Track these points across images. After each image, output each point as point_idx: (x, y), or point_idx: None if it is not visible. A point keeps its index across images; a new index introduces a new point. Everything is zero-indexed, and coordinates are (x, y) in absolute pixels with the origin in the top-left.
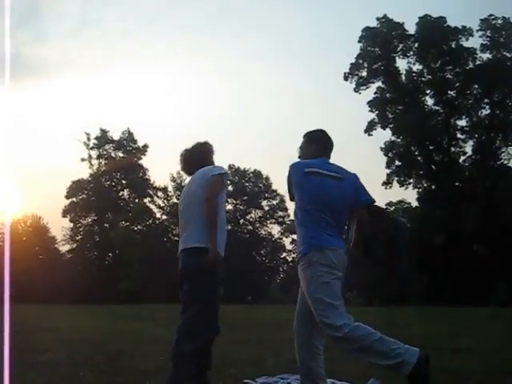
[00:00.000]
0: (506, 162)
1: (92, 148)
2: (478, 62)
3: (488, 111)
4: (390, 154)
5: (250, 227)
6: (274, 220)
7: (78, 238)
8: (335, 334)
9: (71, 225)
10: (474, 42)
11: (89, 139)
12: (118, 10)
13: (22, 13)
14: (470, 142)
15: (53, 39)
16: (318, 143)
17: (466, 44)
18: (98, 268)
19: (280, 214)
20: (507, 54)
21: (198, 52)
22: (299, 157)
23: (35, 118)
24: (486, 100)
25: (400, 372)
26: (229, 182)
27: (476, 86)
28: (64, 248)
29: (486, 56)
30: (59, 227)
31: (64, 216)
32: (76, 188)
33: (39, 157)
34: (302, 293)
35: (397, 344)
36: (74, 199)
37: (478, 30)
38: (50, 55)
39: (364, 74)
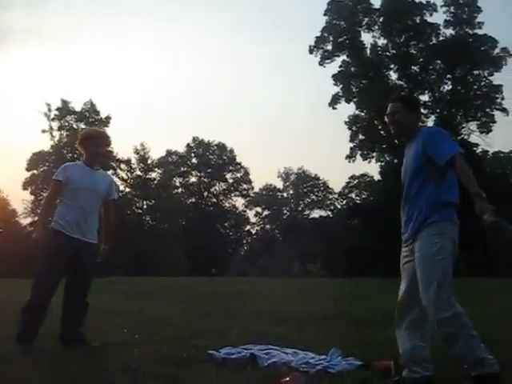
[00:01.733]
0: (466, 137)
1: (53, 119)
2: (441, 38)
3: (450, 87)
4: (353, 128)
5: (214, 200)
6: (238, 193)
7: (39, 211)
8: (442, 313)
9: (32, 197)
10: (437, 17)
11: (50, 110)
12: None
13: None
14: (432, 117)
15: (17, 6)
16: (418, 110)
17: (430, 19)
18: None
19: (244, 186)
20: (469, 31)
21: (164, 23)
22: (396, 121)
23: None
24: (448, 76)
25: (473, 370)
26: (193, 155)
27: (439, 62)
28: (25, 221)
29: (449, 32)
30: (20, 200)
31: (25, 189)
32: (37, 160)
33: None
34: (412, 270)
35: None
36: (34, 171)
37: (441, 6)
38: (14, 23)
39: (329, 47)
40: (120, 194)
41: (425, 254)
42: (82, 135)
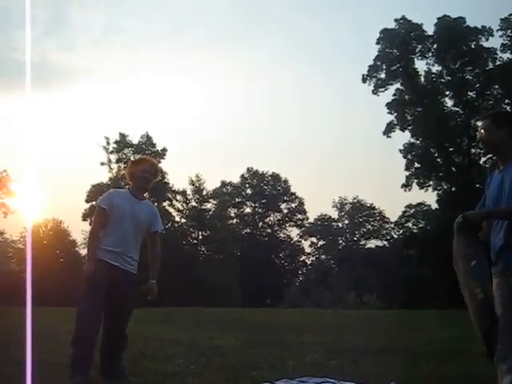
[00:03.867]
0: None
1: (111, 152)
2: (498, 62)
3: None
4: (409, 156)
5: (269, 230)
6: (292, 223)
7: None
8: None
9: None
10: (493, 41)
11: (108, 143)
12: (143, 18)
13: (48, 22)
14: None
15: (78, 47)
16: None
17: (485, 44)
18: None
19: (299, 216)
20: None
21: (219, 58)
22: (482, 139)
23: (57, 122)
24: (506, 100)
25: None
26: (247, 185)
27: (496, 87)
28: (84, 251)
29: (507, 56)
30: (79, 231)
31: (84, 220)
32: (96, 192)
33: (60, 161)
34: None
35: None
36: (93, 203)
37: (498, 30)
38: (75, 62)
39: (382, 75)
40: (176, 225)
41: None
42: (131, 162)
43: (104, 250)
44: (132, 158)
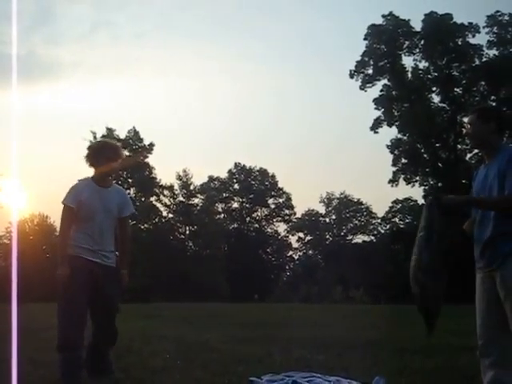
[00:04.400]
0: None
1: None
2: (484, 59)
3: None
4: (396, 152)
5: (257, 225)
6: (280, 218)
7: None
8: None
9: None
10: (480, 38)
11: (95, 138)
12: (130, 13)
13: (35, 15)
14: None
15: (65, 41)
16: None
17: (472, 41)
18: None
19: (286, 211)
20: None
21: (205, 55)
22: (468, 134)
23: (43, 117)
24: (492, 97)
25: None
26: (235, 181)
27: (482, 83)
28: None
29: (493, 53)
30: None
31: None
32: None
33: (46, 156)
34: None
35: None
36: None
37: (484, 27)
38: (62, 56)
39: (370, 71)
40: (163, 220)
41: None
42: (92, 148)
43: (80, 248)
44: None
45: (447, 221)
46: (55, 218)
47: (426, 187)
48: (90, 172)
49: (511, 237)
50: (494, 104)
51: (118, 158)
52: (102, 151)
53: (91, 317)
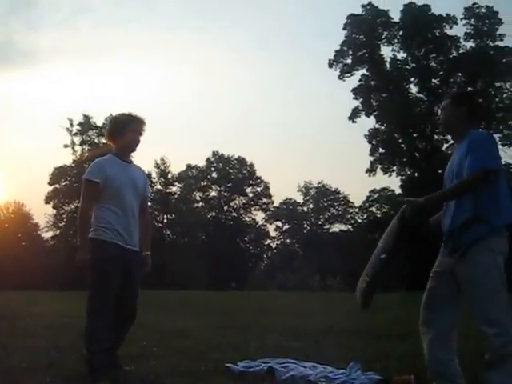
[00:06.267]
0: None
1: (75, 134)
2: (461, 51)
3: None
4: (373, 142)
5: (234, 214)
6: (258, 207)
7: (61, 225)
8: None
9: (54, 211)
10: (457, 30)
11: (72, 125)
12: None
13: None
14: None
15: (45, 27)
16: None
17: (450, 32)
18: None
19: (264, 200)
20: (490, 43)
21: (184, 42)
22: (440, 119)
23: (20, 104)
24: (469, 88)
25: None
26: (213, 169)
27: (459, 75)
28: (47, 235)
29: (470, 44)
30: (42, 214)
31: (47, 202)
32: (59, 174)
33: (22, 143)
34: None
35: None
36: (56, 186)
37: (462, 19)
38: (42, 42)
39: (348, 61)
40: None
41: (474, 272)
42: (117, 119)
43: (112, 231)
44: (96, 141)
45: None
46: (31, 206)
47: (403, 177)
48: (66, 160)
49: (472, 227)
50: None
51: (142, 132)
52: (128, 123)
53: (116, 303)
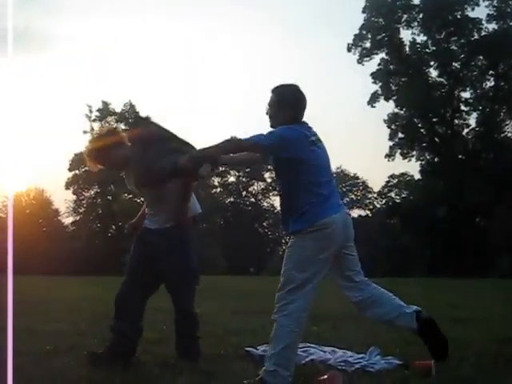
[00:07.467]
0: (509, 134)
1: (94, 120)
2: (483, 33)
3: (492, 83)
4: (393, 126)
5: (253, 199)
6: (276, 192)
7: (81, 211)
8: None
9: (74, 197)
10: (479, 12)
11: (91, 111)
12: None
13: None
14: (474, 115)
15: (64, 13)
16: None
17: (471, 14)
18: (101, 240)
19: None
20: None
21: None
22: (267, 114)
23: (39, 90)
24: (490, 72)
25: None
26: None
27: (481, 58)
28: (67, 220)
29: (492, 27)
30: (62, 200)
31: (67, 188)
32: (78, 160)
33: (42, 130)
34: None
35: None
36: (76, 172)
37: (484, 0)
38: (59, 29)
39: (368, 45)
40: None
41: None
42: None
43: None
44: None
45: None
46: (51, 191)
47: (423, 162)
48: (84, 146)
49: (299, 215)
50: (492, 79)
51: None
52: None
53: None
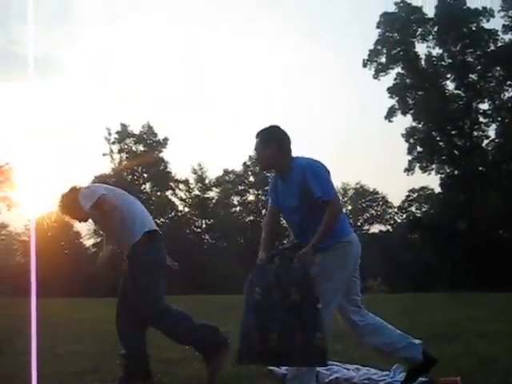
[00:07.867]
0: None
1: (113, 143)
2: (499, 44)
3: (511, 93)
4: (411, 141)
5: None
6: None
7: (101, 232)
8: None
9: None
10: (495, 23)
11: (110, 134)
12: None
13: (52, 14)
14: (493, 126)
15: (82, 39)
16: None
17: (486, 26)
18: (121, 261)
19: None
20: None
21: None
22: (257, 159)
23: (59, 114)
24: (508, 82)
25: None
26: (250, 173)
27: (498, 68)
28: (88, 242)
29: (508, 37)
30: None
31: None
32: (98, 183)
33: (63, 152)
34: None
35: None
36: None
37: (499, 11)
38: (77, 55)
39: (383, 60)
40: (179, 214)
41: None
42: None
43: None
44: (134, 149)
45: None
46: None
47: (443, 175)
48: (105, 168)
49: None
50: (510, 90)
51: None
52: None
53: None
